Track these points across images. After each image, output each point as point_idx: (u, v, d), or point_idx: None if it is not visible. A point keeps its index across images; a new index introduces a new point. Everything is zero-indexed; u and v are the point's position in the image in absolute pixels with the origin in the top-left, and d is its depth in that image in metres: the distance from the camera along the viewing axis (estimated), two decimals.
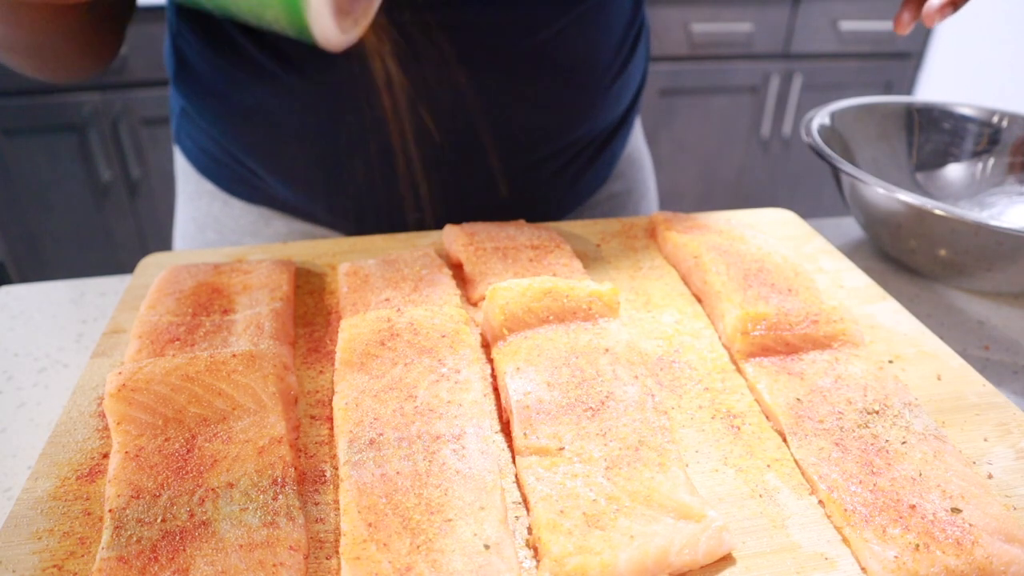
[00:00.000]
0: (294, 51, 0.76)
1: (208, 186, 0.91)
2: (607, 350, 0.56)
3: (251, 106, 0.81)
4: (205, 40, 0.80)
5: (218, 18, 0.76)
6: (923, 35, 2.49)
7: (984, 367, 0.70)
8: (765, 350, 0.59)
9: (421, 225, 0.87)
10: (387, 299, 0.63)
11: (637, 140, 1.04)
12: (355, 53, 0.73)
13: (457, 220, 0.77)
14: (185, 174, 0.94)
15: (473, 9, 0.74)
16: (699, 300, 0.69)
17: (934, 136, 0.96)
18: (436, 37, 0.75)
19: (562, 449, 0.48)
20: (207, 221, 0.92)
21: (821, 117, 0.90)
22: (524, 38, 0.77)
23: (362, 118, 0.78)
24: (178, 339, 0.58)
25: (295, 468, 0.48)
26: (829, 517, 0.46)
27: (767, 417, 0.55)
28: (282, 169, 0.85)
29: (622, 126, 0.94)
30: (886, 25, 2.40)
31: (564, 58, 0.80)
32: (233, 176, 0.88)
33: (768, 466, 0.50)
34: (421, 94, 0.77)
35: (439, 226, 0.83)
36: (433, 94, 0.78)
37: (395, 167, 0.83)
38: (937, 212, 0.71)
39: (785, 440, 0.52)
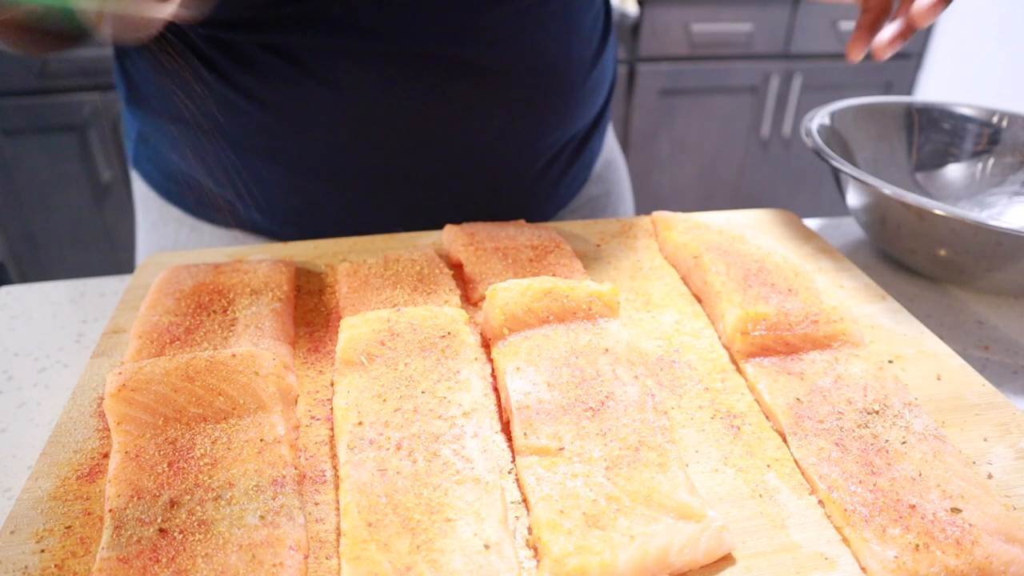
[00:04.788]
0: (254, 75, 0.73)
1: (174, 212, 0.87)
2: (607, 350, 0.56)
3: (208, 128, 0.77)
4: (152, 64, 0.76)
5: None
6: (923, 35, 2.49)
7: (984, 367, 0.70)
8: (765, 350, 0.59)
9: None
10: (387, 299, 0.63)
11: (611, 142, 1.04)
12: (318, 71, 0.72)
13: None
14: (146, 200, 0.89)
15: (440, 40, 0.72)
16: (699, 300, 0.69)
17: (934, 136, 0.96)
18: (412, 64, 0.73)
19: (562, 449, 0.48)
20: (175, 248, 0.87)
21: (821, 117, 0.90)
22: (493, 45, 0.75)
23: (328, 135, 0.76)
24: (178, 339, 0.58)
25: (295, 468, 0.48)
26: (829, 517, 0.46)
27: (767, 417, 0.55)
28: (248, 191, 0.81)
29: (599, 125, 0.94)
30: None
31: (539, 61, 0.79)
32: (200, 200, 0.84)
33: (768, 466, 0.50)
34: (394, 110, 0.76)
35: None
36: (407, 110, 0.76)
37: (369, 184, 0.81)
38: (937, 212, 0.71)
39: (785, 440, 0.52)
